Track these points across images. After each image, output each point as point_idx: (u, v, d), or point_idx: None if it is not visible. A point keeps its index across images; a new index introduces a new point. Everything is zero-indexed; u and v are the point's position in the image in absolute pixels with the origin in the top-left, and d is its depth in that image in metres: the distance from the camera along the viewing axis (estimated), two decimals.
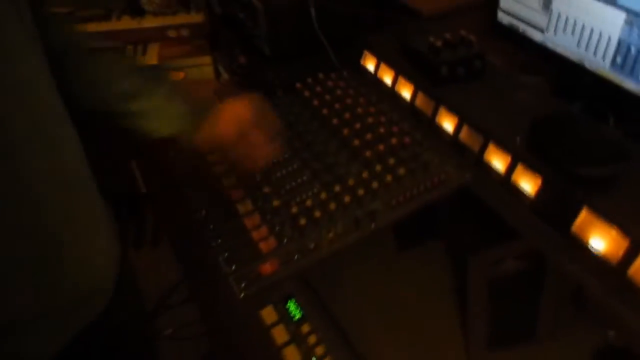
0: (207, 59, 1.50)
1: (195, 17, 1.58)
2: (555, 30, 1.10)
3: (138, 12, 1.61)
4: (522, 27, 1.17)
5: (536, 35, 1.15)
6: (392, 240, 0.84)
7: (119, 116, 0.78)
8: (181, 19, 1.60)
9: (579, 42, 1.05)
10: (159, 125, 0.79)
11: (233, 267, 0.77)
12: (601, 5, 0.97)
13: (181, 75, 1.52)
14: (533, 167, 0.79)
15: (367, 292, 0.77)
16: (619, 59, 0.98)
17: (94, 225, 0.72)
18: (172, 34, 1.59)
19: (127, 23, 1.59)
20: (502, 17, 1.21)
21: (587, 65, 1.05)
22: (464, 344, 0.70)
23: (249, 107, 0.80)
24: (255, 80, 1.18)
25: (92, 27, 1.57)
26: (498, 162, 0.84)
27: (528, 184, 0.80)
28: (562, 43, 1.09)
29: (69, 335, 0.70)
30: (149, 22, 1.60)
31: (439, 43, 0.95)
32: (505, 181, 0.82)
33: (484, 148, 0.85)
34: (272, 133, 0.81)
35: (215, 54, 1.42)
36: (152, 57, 1.57)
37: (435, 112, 0.93)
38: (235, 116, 0.79)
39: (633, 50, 0.95)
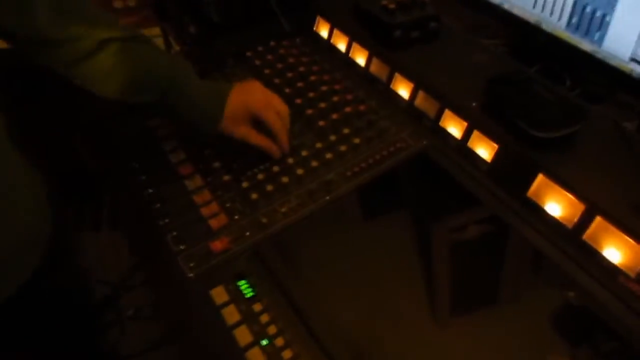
0: (156, 30, 1.43)
1: None
2: None
3: None
4: None
5: None
6: (358, 210, 0.82)
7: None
8: None
9: (535, 2, 1.03)
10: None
11: (182, 247, 0.74)
12: None
13: None
14: (489, 133, 0.77)
15: (325, 265, 0.74)
16: (574, 19, 0.96)
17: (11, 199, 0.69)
18: (118, 4, 1.51)
19: None
20: None
21: (544, 26, 1.03)
22: (429, 311, 0.68)
23: (257, 103, 0.81)
24: (205, 50, 1.12)
25: None
26: (454, 128, 0.81)
27: (484, 150, 0.78)
28: (519, 4, 1.06)
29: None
30: None
31: (392, 5, 0.91)
32: (462, 147, 0.80)
33: (440, 114, 0.83)
34: (281, 125, 0.82)
35: (164, 24, 1.35)
36: None
37: (390, 78, 0.90)
38: (247, 113, 0.81)
39: (588, 9, 0.93)
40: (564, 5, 0.97)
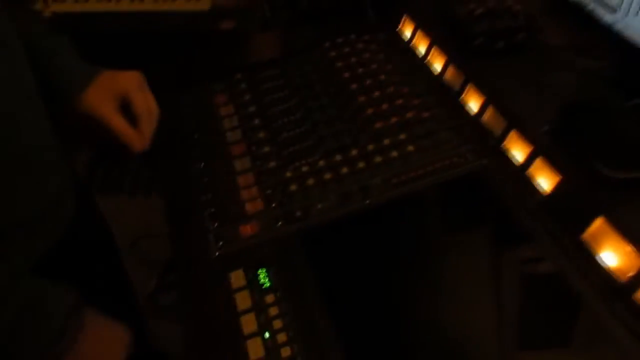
0: (257, 9, 1.45)
1: None
2: (628, 11, 0.96)
3: None
4: (591, 4, 1.04)
5: (606, 16, 1.01)
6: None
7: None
8: None
9: None
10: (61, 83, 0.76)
11: (215, 224, 0.75)
12: None
13: (232, 24, 1.49)
14: (555, 162, 0.69)
15: (348, 269, 0.71)
16: None
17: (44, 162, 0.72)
18: None
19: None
20: None
21: None
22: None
23: (130, 81, 0.77)
24: (289, 35, 1.13)
25: (100, 5, 1.55)
26: (518, 151, 0.74)
27: (545, 180, 0.70)
28: (634, 26, 0.95)
29: (41, 245, 0.72)
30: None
31: (479, 10, 0.85)
32: (522, 173, 0.73)
33: (505, 134, 0.76)
34: (149, 114, 0.78)
35: (263, 4, 1.37)
36: (205, 2, 1.54)
37: (462, 88, 0.84)
38: (117, 86, 0.75)
39: None
40: None
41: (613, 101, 0.75)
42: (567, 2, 1.07)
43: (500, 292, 0.68)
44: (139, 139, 0.76)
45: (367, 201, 0.74)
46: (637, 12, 0.94)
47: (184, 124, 0.91)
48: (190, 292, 0.71)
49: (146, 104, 0.78)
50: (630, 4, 0.95)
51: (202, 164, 0.84)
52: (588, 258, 0.63)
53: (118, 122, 0.75)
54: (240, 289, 0.68)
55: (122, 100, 0.76)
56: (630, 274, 0.59)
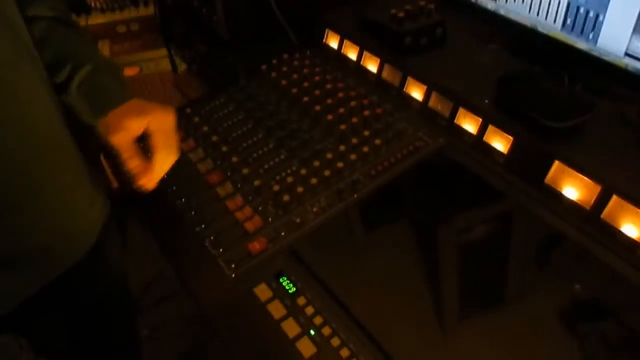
0: (162, 52, 1.46)
1: (144, 11, 1.55)
2: None
3: (83, 9, 1.56)
4: None
5: (489, 4, 1.18)
6: (359, 225, 0.85)
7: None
8: (129, 13, 1.56)
9: (530, 7, 1.09)
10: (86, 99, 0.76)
11: (220, 250, 0.77)
12: None
13: (136, 70, 1.49)
14: (503, 126, 0.82)
15: (353, 263, 0.78)
16: (569, 21, 1.02)
17: (76, 182, 0.77)
18: (121, 29, 1.55)
19: None
20: None
21: (540, 29, 1.09)
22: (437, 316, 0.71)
23: (158, 117, 0.74)
24: (216, 67, 1.16)
25: None
26: (469, 125, 0.86)
27: (500, 143, 0.83)
28: (514, 9, 1.12)
29: (54, 273, 0.77)
30: (95, 19, 1.55)
31: (400, 14, 0.96)
32: (478, 142, 0.85)
33: (454, 113, 0.88)
34: (166, 156, 0.74)
35: (171, 45, 1.39)
36: (104, 52, 1.52)
37: (403, 82, 0.95)
38: (143, 118, 0.73)
39: (582, 10, 0.99)
40: (558, 8, 1.03)
41: (531, 70, 0.90)
42: None
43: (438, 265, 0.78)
44: (147, 176, 0.73)
45: (356, 195, 0.82)
46: None
47: None
48: (222, 322, 0.72)
49: (167, 145, 0.74)
50: None
51: (182, 199, 0.85)
52: (555, 198, 0.76)
53: (128, 148, 0.72)
54: (269, 300, 0.71)
55: (144, 131, 0.73)
56: (592, 200, 0.73)
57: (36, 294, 0.77)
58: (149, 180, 0.74)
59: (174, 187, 0.87)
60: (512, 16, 1.14)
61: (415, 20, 0.97)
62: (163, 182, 0.88)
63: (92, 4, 1.57)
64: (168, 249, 0.83)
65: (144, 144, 0.74)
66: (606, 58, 0.98)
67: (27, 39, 0.71)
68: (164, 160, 0.74)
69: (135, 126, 0.72)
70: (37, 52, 0.73)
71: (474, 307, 0.72)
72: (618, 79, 0.98)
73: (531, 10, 1.09)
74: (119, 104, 0.75)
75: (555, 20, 1.05)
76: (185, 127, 0.96)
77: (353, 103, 0.94)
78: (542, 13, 1.07)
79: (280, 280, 0.73)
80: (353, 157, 0.85)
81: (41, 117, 0.73)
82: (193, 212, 0.83)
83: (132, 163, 0.72)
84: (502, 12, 1.16)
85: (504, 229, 0.81)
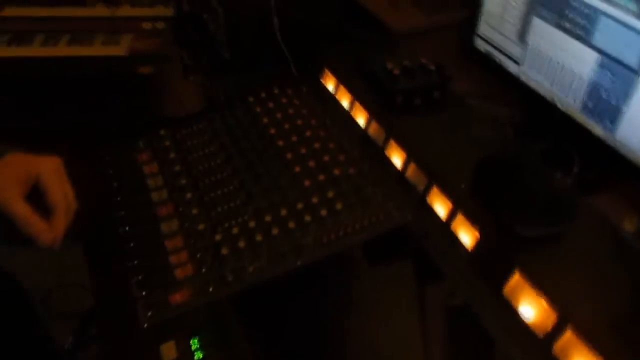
0: (176, 55, 1.44)
1: (168, 10, 1.52)
2: (529, 64, 1.04)
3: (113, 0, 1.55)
4: (498, 56, 1.12)
5: (511, 66, 1.09)
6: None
7: None
8: (157, 10, 1.53)
9: (552, 79, 1.00)
10: None
11: (143, 292, 0.73)
12: (576, 43, 0.92)
13: (149, 69, 1.47)
14: (472, 218, 0.74)
15: (283, 332, 0.72)
16: (589, 103, 0.93)
17: None
18: (147, 25, 1.53)
19: (101, 10, 1.53)
20: (479, 44, 1.16)
21: (559, 104, 0.99)
22: None
23: (45, 166, 0.69)
24: (212, 85, 1.13)
25: (65, 11, 1.51)
26: (440, 206, 0.78)
27: (467, 236, 0.74)
28: (536, 78, 1.04)
29: None
30: (124, 11, 1.54)
31: (396, 70, 0.89)
32: (445, 229, 0.77)
33: (428, 189, 0.80)
34: (64, 206, 0.68)
35: (182, 51, 1.36)
36: (123, 47, 1.51)
37: (385, 144, 0.88)
38: (28, 170, 0.67)
39: (603, 94, 0.89)
40: (580, 85, 0.93)
41: (522, 155, 0.81)
42: (477, 51, 1.15)
43: (426, 331, 0.71)
44: (48, 232, 0.65)
45: (299, 262, 0.75)
46: (538, 65, 1.02)
47: (106, 183, 0.88)
48: None
49: (62, 194, 0.69)
50: (531, 58, 1.03)
51: (127, 227, 0.81)
52: (509, 313, 0.67)
53: (21, 210, 0.64)
54: None
55: (32, 186, 0.67)
56: (548, 327, 0.64)
57: None
58: (51, 239, 0.66)
59: (122, 212, 0.83)
60: (533, 84, 1.05)
61: (411, 78, 0.89)
62: (114, 204, 0.85)
63: None
64: (94, 272, 0.78)
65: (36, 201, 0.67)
66: (622, 151, 0.88)
67: None
68: (64, 212, 0.67)
69: (20, 180, 0.66)
70: None
71: None
72: (632, 175, 0.88)
73: (553, 83, 1.00)
74: None
75: (575, 100, 0.95)
76: (153, 149, 0.93)
77: (326, 157, 0.87)
78: (563, 88, 0.98)
79: (192, 341, 0.68)
80: (307, 218, 0.79)
81: None
82: (131, 244, 0.79)
83: (26, 221, 0.65)
84: (522, 77, 1.07)
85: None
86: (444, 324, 0.73)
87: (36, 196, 0.68)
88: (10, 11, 1.51)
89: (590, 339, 0.60)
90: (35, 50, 1.50)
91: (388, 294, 0.75)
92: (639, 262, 0.69)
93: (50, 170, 0.69)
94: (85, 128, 1.04)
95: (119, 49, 1.49)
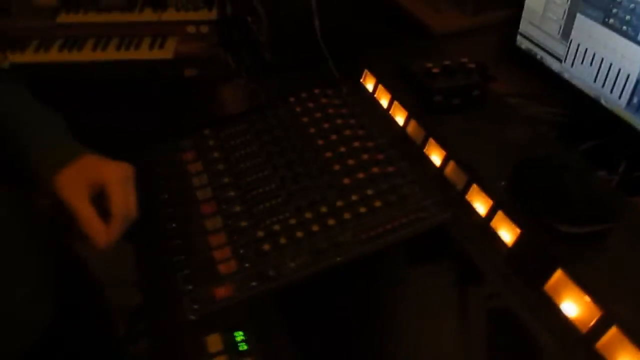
0: (220, 58, 1.48)
1: (212, 14, 1.56)
2: (573, 62, 1.03)
3: (160, 4, 1.60)
4: (540, 54, 1.11)
5: (554, 65, 1.08)
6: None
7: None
8: (202, 15, 1.59)
9: (596, 77, 0.98)
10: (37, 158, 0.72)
11: (189, 287, 0.75)
12: (622, 40, 0.90)
13: (194, 71, 1.52)
14: (513, 216, 0.73)
15: (323, 327, 0.73)
16: (635, 100, 0.91)
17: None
18: (191, 29, 1.58)
19: (148, 15, 1.59)
20: (521, 42, 1.15)
21: (603, 102, 0.98)
22: None
23: (113, 172, 0.72)
24: (254, 87, 1.15)
25: (114, 16, 1.58)
26: (480, 204, 0.78)
27: (507, 233, 0.74)
28: (579, 75, 1.02)
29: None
30: (169, 15, 1.59)
31: (435, 69, 0.89)
32: (485, 226, 0.77)
33: (467, 188, 0.80)
34: (125, 214, 0.71)
35: (227, 54, 1.40)
36: (169, 50, 1.56)
37: (424, 142, 0.88)
38: (97, 174, 0.71)
39: None
40: (626, 83, 0.92)
41: (563, 156, 0.81)
42: (519, 50, 1.14)
43: (466, 330, 0.71)
44: (104, 236, 0.68)
45: (339, 258, 0.77)
46: (581, 63, 1.00)
47: (153, 183, 0.91)
48: (164, 357, 0.71)
49: (125, 203, 0.71)
50: (574, 55, 1.02)
51: (174, 224, 0.85)
52: (550, 309, 0.67)
53: (85, 213, 0.68)
54: (217, 354, 0.68)
55: (99, 189, 0.70)
56: (590, 324, 0.63)
57: None
58: (105, 242, 0.68)
59: (170, 210, 0.87)
60: (576, 82, 1.03)
61: (451, 78, 0.89)
62: (162, 202, 0.89)
63: (169, 1, 1.60)
64: (142, 266, 0.82)
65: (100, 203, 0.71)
66: None
67: None
68: (122, 220, 0.70)
69: (90, 182, 0.69)
70: None
71: None
72: None
73: (597, 80, 0.98)
74: (71, 160, 0.71)
75: (620, 96, 0.94)
76: (198, 148, 0.96)
77: (365, 156, 0.88)
78: (608, 85, 0.96)
79: (235, 334, 0.70)
80: (347, 215, 0.80)
81: None
82: (178, 241, 0.82)
83: (87, 223, 0.68)
84: (565, 75, 1.05)
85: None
86: (484, 325, 0.72)
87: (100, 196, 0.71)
88: (63, 18, 1.58)
89: (636, 337, 0.59)
90: (86, 54, 1.57)
91: (427, 295, 0.75)
92: None
93: (118, 178, 0.71)
94: (134, 128, 1.08)
95: (166, 52, 1.55)
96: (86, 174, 0.70)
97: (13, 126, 0.73)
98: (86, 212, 0.68)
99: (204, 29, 1.58)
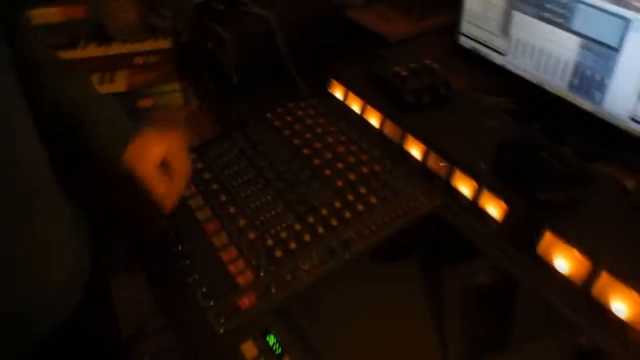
0: (175, 86, 1.50)
1: (163, 44, 1.59)
2: (515, 54, 1.15)
3: (105, 39, 1.60)
4: (483, 50, 1.22)
5: (497, 59, 1.19)
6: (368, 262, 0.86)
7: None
8: (149, 45, 1.60)
9: (537, 65, 1.10)
10: (106, 138, 0.81)
11: (211, 303, 0.78)
12: (557, 30, 1.02)
13: (151, 102, 1.53)
14: (498, 193, 0.82)
15: (345, 319, 0.78)
16: (576, 81, 1.03)
17: (62, 229, 0.76)
18: (139, 60, 1.59)
19: (94, 50, 1.59)
20: (465, 41, 1.26)
21: (547, 87, 1.10)
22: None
23: (172, 141, 0.83)
24: (225, 108, 1.19)
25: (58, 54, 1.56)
26: (465, 188, 0.87)
27: (494, 209, 0.83)
28: (522, 66, 1.14)
29: (31, 339, 0.73)
30: (116, 49, 1.60)
31: (404, 72, 0.98)
32: (473, 206, 0.85)
33: (451, 175, 0.88)
34: (187, 170, 0.84)
35: (185, 81, 1.42)
36: (120, 84, 1.56)
37: (403, 140, 0.96)
38: (161, 144, 0.81)
39: (588, 72, 1.00)
40: (565, 67, 1.04)
41: (534, 136, 0.91)
42: (464, 49, 1.25)
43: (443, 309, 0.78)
44: (170, 198, 0.81)
45: (348, 254, 0.82)
46: (523, 54, 1.12)
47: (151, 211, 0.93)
48: None
49: (184, 165, 0.83)
50: (515, 48, 1.14)
51: (179, 247, 0.87)
52: (546, 269, 0.76)
53: (156, 179, 0.80)
54: (255, 359, 0.72)
55: (162, 157, 0.81)
56: (584, 275, 0.72)
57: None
58: (172, 201, 0.82)
59: (172, 234, 0.89)
60: (520, 72, 1.15)
61: (418, 79, 0.98)
62: (161, 227, 0.91)
63: (114, 35, 1.61)
64: (158, 293, 0.84)
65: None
66: (611, 121, 0.99)
67: (18, 88, 0.70)
68: (183, 180, 0.83)
69: (158, 152, 0.80)
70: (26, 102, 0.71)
71: (480, 351, 0.73)
72: (622, 143, 0.99)
73: (538, 68, 1.10)
74: (135, 136, 0.81)
75: (561, 80, 1.06)
76: None
77: (352, 159, 0.95)
78: (549, 71, 1.08)
79: (267, 338, 0.74)
80: (347, 215, 0.86)
81: (29, 167, 0.71)
82: (187, 262, 0.84)
83: (159, 189, 0.80)
84: (509, 67, 1.17)
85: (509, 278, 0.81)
86: (488, 298, 0.79)
87: None
88: None
89: (624, 278, 0.69)
90: None
91: (431, 278, 0.82)
92: None
93: (176, 141, 0.83)
94: None
95: (118, 86, 1.55)
96: (152, 145, 0.81)
97: (81, 111, 0.81)
98: (156, 178, 0.80)
99: (153, 58, 1.59)
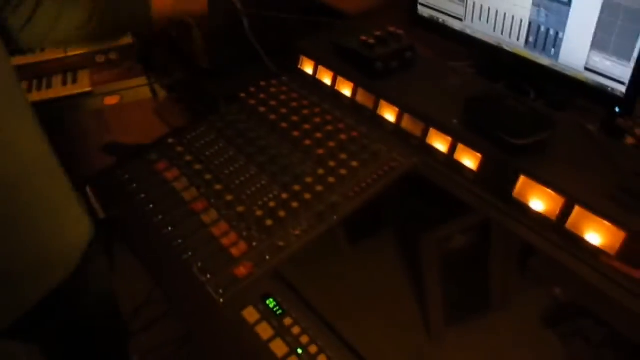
0: (141, 80, 1.50)
1: (123, 40, 1.57)
2: (472, 19, 1.19)
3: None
4: (441, 18, 1.26)
5: (455, 24, 1.24)
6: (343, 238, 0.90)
7: None
8: (108, 43, 1.58)
9: (494, 26, 1.15)
10: None
11: (208, 276, 0.80)
12: None
13: (117, 99, 1.52)
14: (472, 145, 0.87)
15: (338, 280, 0.82)
16: (531, 38, 1.08)
17: (63, 203, 0.84)
18: (100, 59, 1.58)
19: (52, 53, 1.57)
20: (423, 11, 1.30)
21: (505, 46, 1.15)
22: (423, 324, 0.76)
23: None
24: (196, 94, 1.20)
25: (17, 60, 1.53)
26: (440, 144, 0.91)
27: (470, 161, 0.87)
28: (480, 29, 1.18)
29: (34, 297, 0.80)
30: (75, 49, 1.58)
31: (370, 40, 1.01)
32: (449, 160, 0.89)
33: (425, 133, 0.92)
34: None
35: (150, 74, 1.42)
36: (84, 84, 1.55)
37: (376, 105, 0.99)
38: None
39: (543, 29, 1.05)
40: (520, 26, 1.09)
41: (498, 90, 0.96)
42: (423, 19, 1.29)
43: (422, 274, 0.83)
44: None
45: (335, 216, 0.85)
46: (480, 18, 1.17)
47: (134, 197, 0.94)
48: (212, 344, 0.75)
49: None
50: (472, 13, 1.18)
51: (169, 228, 0.88)
52: (523, 210, 0.81)
53: None
54: (258, 322, 0.74)
55: None
56: (557, 211, 0.77)
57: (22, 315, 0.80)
58: None
59: (160, 217, 0.90)
60: (478, 35, 1.20)
61: (385, 46, 1.02)
62: (148, 211, 0.92)
63: None
64: (156, 275, 0.86)
65: None
66: (568, 73, 1.04)
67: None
68: None
69: None
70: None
71: (460, 314, 0.77)
72: (580, 92, 1.04)
73: (495, 29, 1.15)
74: None
75: (518, 38, 1.11)
76: (168, 157, 1.00)
77: (329, 127, 0.98)
78: (506, 32, 1.13)
79: (267, 302, 0.77)
80: (331, 180, 0.89)
81: (28, 143, 0.77)
82: (180, 241, 0.86)
83: None
84: (468, 31, 1.22)
85: (484, 238, 0.86)
86: (442, 271, 0.84)
87: None
88: None
89: (596, 209, 0.74)
90: None
91: (418, 231, 0.86)
92: (610, 151, 0.85)
93: None
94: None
95: (82, 86, 1.53)
96: None
97: None
98: None
99: (114, 55, 1.58)
